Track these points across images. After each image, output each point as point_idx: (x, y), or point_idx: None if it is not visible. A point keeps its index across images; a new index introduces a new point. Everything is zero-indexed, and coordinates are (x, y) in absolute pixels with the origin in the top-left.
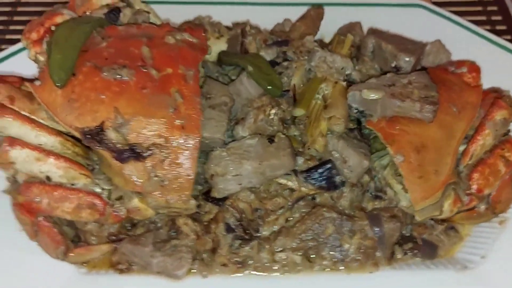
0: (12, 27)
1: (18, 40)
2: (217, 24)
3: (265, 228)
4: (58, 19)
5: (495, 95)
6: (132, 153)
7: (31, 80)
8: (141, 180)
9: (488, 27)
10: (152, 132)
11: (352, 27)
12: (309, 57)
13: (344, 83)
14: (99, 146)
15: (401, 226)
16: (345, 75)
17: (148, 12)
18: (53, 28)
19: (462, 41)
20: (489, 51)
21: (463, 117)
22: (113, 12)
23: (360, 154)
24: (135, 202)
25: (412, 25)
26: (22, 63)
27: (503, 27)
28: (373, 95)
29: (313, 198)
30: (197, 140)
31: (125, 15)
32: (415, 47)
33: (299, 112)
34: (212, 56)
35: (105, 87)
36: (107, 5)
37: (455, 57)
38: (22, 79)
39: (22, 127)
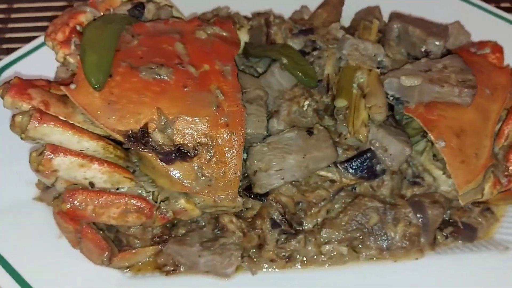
0: (10, 25)
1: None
2: (236, 15)
3: (308, 220)
4: (82, 18)
5: None
6: (179, 154)
7: (64, 84)
8: (189, 180)
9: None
10: (197, 132)
11: (370, 11)
12: (339, 45)
13: (378, 70)
14: (144, 149)
15: (443, 211)
16: (378, 61)
17: (170, 6)
18: (78, 27)
19: (477, 20)
20: (504, 29)
21: (496, 98)
22: (137, 7)
23: (402, 141)
24: (182, 202)
25: (427, 6)
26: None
27: (507, 4)
28: (411, 82)
29: (353, 188)
30: (242, 137)
31: (149, 10)
32: (440, 30)
33: (341, 103)
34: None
35: (145, 87)
36: (129, 0)
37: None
38: (50, 82)
39: (64, 134)
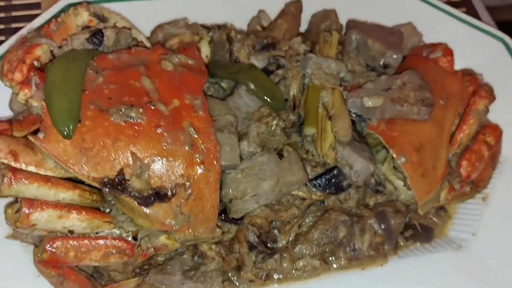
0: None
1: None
2: (194, 25)
3: (282, 238)
4: (38, 51)
5: (469, 79)
6: (157, 196)
7: (28, 126)
8: (168, 220)
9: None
10: (174, 173)
11: (327, 15)
12: (302, 62)
13: (341, 88)
14: (122, 195)
15: (405, 219)
16: (339, 78)
17: (129, 29)
18: (36, 63)
19: (427, 17)
20: (453, 27)
21: (449, 107)
22: (96, 35)
23: (366, 158)
24: (162, 239)
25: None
26: None
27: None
28: (374, 103)
29: (322, 202)
30: (217, 173)
31: (109, 37)
32: (396, 39)
33: (310, 130)
34: None
35: (117, 131)
36: (87, 27)
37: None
38: (11, 123)
39: (39, 189)
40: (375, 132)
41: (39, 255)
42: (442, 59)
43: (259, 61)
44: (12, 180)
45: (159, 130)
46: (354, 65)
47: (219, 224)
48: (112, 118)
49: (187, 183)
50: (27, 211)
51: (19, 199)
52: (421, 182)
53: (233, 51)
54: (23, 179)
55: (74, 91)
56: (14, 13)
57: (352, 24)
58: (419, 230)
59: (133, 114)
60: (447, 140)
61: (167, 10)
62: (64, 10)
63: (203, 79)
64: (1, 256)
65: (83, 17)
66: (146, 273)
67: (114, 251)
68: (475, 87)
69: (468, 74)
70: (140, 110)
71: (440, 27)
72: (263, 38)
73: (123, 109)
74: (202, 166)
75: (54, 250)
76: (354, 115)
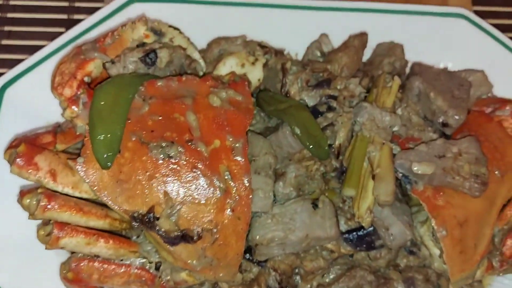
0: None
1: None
2: (252, 44)
3: (302, 285)
4: (91, 67)
5: None
6: (183, 238)
7: (73, 157)
8: (191, 260)
9: None
10: (203, 218)
11: (393, 50)
12: (355, 110)
13: (391, 145)
14: (149, 231)
15: None
16: (392, 131)
17: (184, 49)
18: (86, 79)
19: (503, 59)
20: None
21: (506, 181)
22: (149, 56)
23: (405, 223)
24: (183, 275)
25: (450, 35)
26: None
27: None
28: (424, 170)
29: (351, 256)
30: (246, 223)
31: (162, 60)
32: (462, 93)
33: (349, 192)
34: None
35: (155, 168)
36: (143, 44)
37: (493, 76)
38: (56, 134)
39: (71, 217)
40: (419, 198)
41: (64, 272)
42: (509, 119)
43: (310, 98)
44: (47, 207)
45: (195, 173)
46: (411, 115)
47: (242, 263)
48: (151, 154)
49: (214, 229)
50: (57, 235)
51: (51, 221)
52: (457, 259)
53: (285, 83)
54: (56, 207)
55: (119, 123)
56: (77, 4)
57: (417, 69)
58: None
59: (173, 152)
60: (495, 217)
61: (227, 18)
62: (124, 6)
63: (248, 119)
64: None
65: (140, 31)
66: None
67: (135, 279)
68: None
69: None
70: (180, 149)
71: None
72: (318, 71)
73: (163, 145)
74: (232, 213)
75: (78, 270)
76: (400, 175)
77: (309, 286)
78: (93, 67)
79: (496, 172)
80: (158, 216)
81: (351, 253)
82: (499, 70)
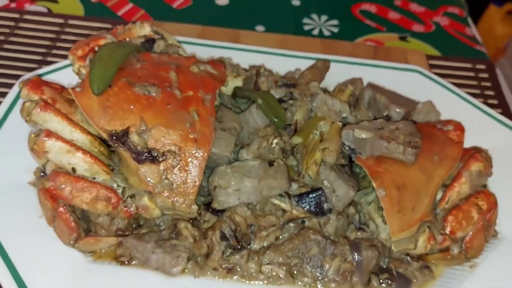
0: (58, 44)
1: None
2: (236, 66)
3: (256, 242)
4: (102, 42)
5: (474, 150)
6: (149, 156)
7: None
8: (153, 181)
9: (481, 100)
10: (169, 141)
11: (354, 81)
12: (312, 98)
13: (340, 124)
14: (122, 147)
15: (378, 255)
16: (342, 117)
17: (178, 47)
18: (96, 48)
19: (452, 106)
20: (476, 116)
21: (443, 165)
22: (149, 42)
23: (348, 185)
24: (145, 200)
25: (408, 87)
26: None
27: (495, 101)
28: (363, 135)
29: (303, 222)
30: (206, 153)
31: (159, 46)
32: (406, 102)
33: (296, 140)
34: (228, 91)
35: (135, 100)
36: (145, 36)
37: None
38: (63, 88)
39: (60, 123)
40: (362, 165)
41: (43, 182)
42: (452, 132)
43: (276, 93)
44: (42, 108)
45: (168, 106)
46: (363, 117)
47: (199, 208)
48: (135, 89)
49: (177, 153)
50: (44, 138)
51: (42, 130)
52: (396, 217)
53: (258, 82)
54: (50, 110)
55: (113, 65)
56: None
57: (370, 84)
58: (395, 276)
59: (152, 91)
60: (433, 191)
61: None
62: None
63: (219, 84)
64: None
65: (146, 30)
66: (125, 236)
67: (102, 198)
68: (473, 153)
69: (475, 149)
70: (159, 89)
71: (458, 114)
72: (287, 78)
73: (145, 85)
74: (195, 143)
75: (56, 180)
76: (347, 148)
77: (262, 244)
78: (103, 42)
79: (435, 158)
80: (130, 133)
81: (302, 216)
82: (447, 112)
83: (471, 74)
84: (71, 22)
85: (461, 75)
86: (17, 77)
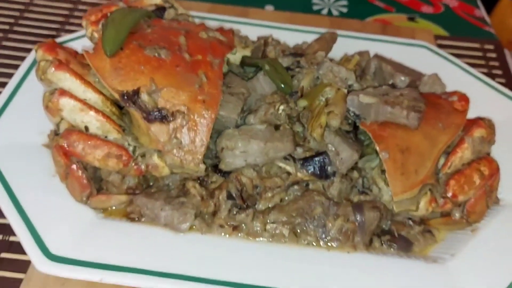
0: (71, 20)
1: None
2: (244, 37)
3: (261, 203)
4: (114, 8)
5: (477, 118)
6: (159, 115)
7: (85, 50)
8: (163, 140)
9: (485, 70)
10: (178, 101)
11: (361, 54)
12: (318, 66)
13: (345, 91)
14: (133, 106)
15: (380, 216)
16: (348, 85)
17: (188, 16)
18: (109, 14)
19: (455, 78)
20: (482, 90)
21: (447, 132)
22: (160, 9)
23: (352, 149)
24: (155, 158)
25: (414, 61)
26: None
27: (503, 80)
28: (368, 100)
29: (307, 185)
30: (214, 114)
31: (169, 14)
32: (412, 72)
33: (302, 102)
34: (236, 60)
35: (146, 61)
36: (155, 4)
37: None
38: (77, 53)
39: (74, 82)
40: (367, 129)
41: (57, 140)
42: (457, 102)
43: (284, 62)
44: (57, 67)
45: (178, 68)
46: (368, 86)
47: (207, 168)
48: (145, 52)
49: (186, 113)
50: (59, 95)
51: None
52: (398, 179)
53: (265, 51)
54: (64, 69)
55: (125, 28)
56: None
57: (377, 55)
58: (396, 237)
59: (162, 53)
60: (436, 156)
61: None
62: None
63: (227, 50)
64: (35, 158)
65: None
66: (136, 195)
67: (114, 155)
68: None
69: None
70: (169, 52)
71: (463, 87)
72: (294, 49)
73: (156, 47)
74: (203, 104)
75: (69, 137)
76: (351, 114)
77: (267, 203)
78: (115, 9)
79: (440, 125)
80: (141, 93)
81: (307, 178)
82: (453, 85)
83: (479, 54)
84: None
85: (469, 55)
86: None
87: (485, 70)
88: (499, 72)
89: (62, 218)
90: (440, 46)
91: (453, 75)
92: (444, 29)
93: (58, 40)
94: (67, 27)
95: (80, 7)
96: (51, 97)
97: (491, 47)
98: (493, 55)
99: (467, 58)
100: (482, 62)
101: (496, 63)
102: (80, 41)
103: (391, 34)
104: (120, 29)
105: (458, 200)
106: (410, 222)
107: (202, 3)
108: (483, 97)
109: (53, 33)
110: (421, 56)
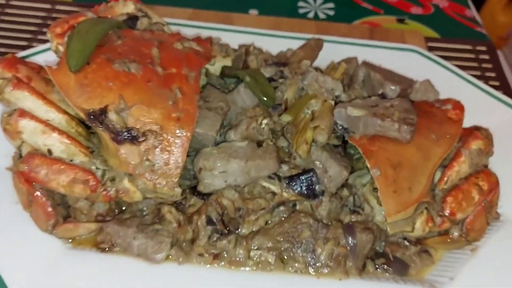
0: (45, 29)
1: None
2: (225, 45)
3: (244, 226)
4: (81, 19)
5: (472, 128)
6: (129, 136)
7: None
8: (134, 162)
9: (478, 73)
10: (149, 120)
11: (348, 61)
12: (302, 76)
13: (332, 102)
14: (100, 127)
15: (374, 238)
16: (334, 96)
17: (163, 25)
18: (76, 25)
19: (449, 83)
20: (476, 95)
21: (441, 144)
22: (132, 19)
23: (341, 165)
24: (125, 182)
25: (405, 67)
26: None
27: (496, 83)
28: (356, 112)
29: (294, 205)
30: (190, 133)
31: (142, 23)
32: (402, 80)
33: (286, 118)
34: (216, 71)
35: (115, 76)
36: (127, 13)
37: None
38: (41, 67)
39: (35, 102)
40: (356, 144)
41: (17, 165)
42: (451, 111)
43: (266, 72)
44: (15, 86)
45: (149, 84)
46: (357, 96)
47: (185, 192)
48: (114, 66)
49: (159, 132)
50: (17, 118)
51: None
52: (391, 198)
53: (247, 60)
54: (24, 88)
55: (91, 41)
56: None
57: (365, 63)
58: (391, 260)
59: (132, 67)
60: (431, 171)
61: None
62: None
63: (204, 62)
64: None
65: (129, 8)
66: (106, 221)
67: (80, 181)
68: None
69: (475, 129)
70: (140, 66)
71: (456, 92)
72: (278, 59)
73: (125, 61)
74: (177, 122)
75: (31, 163)
76: (340, 127)
77: (251, 228)
78: (83, 19)
79: (433, 136)
80: (108, 112)
81: (293, 198)
82: (446, 92)
83: (472, 56)
84: (58, 7)
85: (461, 57)
86: None
87: (478, 73)
88: (492, 74)
89: (26, 250)
90: (431, 48)
91: (446, 80)
92: (434, 30)
93: (23, 53)
94: (40, 37)
95: (54, 15)
96: (9, 119)
97: (483, 48)
98: (486, 56)
99: (459, 60)
100: (475, 64)
101: (489, 65)
102: (49, 54)
103: (380, 37)
104: (87, 42)
105: (457, 218)
106: (406, 243)
107: (184, 8)
108: (477, 102)
109: (24, 43)
110: (412, 61)
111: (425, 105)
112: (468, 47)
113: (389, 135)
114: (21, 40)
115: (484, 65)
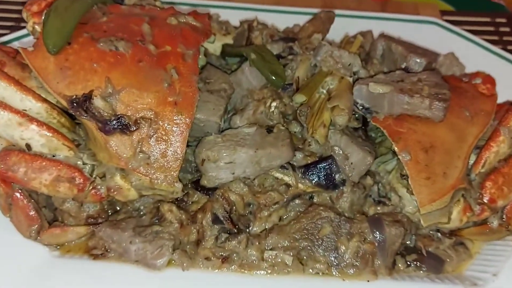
0: None
1: None
2: (225, 23)
3: (256, 224)
4: None
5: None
6: (118, 124)
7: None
8: (126, 155)
9: (499, 47)
10: (142, 105)
11: (363, 34)
12: (315, 51)
13: (351, 79)
14: (85, 116)
15: (404, 232)
16: (352, 72)
17: (155, 0)
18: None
19: (474, 57)
20: (501, 67)
21: (476, 122)
22: None
23: (364, 150)
24: (117, 179)
25: (424, 41)
26: None
27: None
28: (380, 89)
29: (311, 198)
30: (189, 119)
31: None
32: (426, 52)
33: (299, 98)
34: (216, 50)
35: (100, 57)
36: None
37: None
38: (17, 52)
39: (8, 89)
40: (380, 126)
41: None
42: (481, 85)
43: (273, 49)
44: None
45: (140, 64)
46: (377, 73)
47: (187, 187)
48: (99, 45)
49: (154, 119)
50: None
51: None
52: (424, 185)
53: (250, 37)
54: None
55: (72, 18)
56: None
57: (383, 35)
58: (424, 256)
59: (120, 45)
60: (467, 153)
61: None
62: None
63: (203, 37)
64: None
65: None
66: (98, 225)
67: (65, 179)
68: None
69: (510, 104)
70: (129, 44)
71: (481, 65)
72: (285, 34)
73: (112, 39)
74: (174, 107)
75: (7, 160)
76: (360, 108)
77: (264, 226)
78: None
79: (466, 113)
80: (94, 97)
81: (310, 190)
82: (473, 66)
83: (491, 28)
84: None
85: (480, 30)
86: None
87: (499, 47)
88: None
89: (8, 260)
90: (447, 22)
91: (471, 54)
92: (449, 3)
93: (3, 39)
94: (23, 24)
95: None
96: None
97: (503, 20)
98: (507, 29)
99: (478, 34)
100: (496, 37)
101: (510, 38)
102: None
103: (392, 11)
104: (66, 19)
105: (498, 205)
106: (439, 235)
107: None
108: (507, 76)
109: (7, 31)
110: (431, 34)
111: (453, 80)
112: (487, 19)
113: (419, 113)
114: (3, 28)
115: (505, 38)
